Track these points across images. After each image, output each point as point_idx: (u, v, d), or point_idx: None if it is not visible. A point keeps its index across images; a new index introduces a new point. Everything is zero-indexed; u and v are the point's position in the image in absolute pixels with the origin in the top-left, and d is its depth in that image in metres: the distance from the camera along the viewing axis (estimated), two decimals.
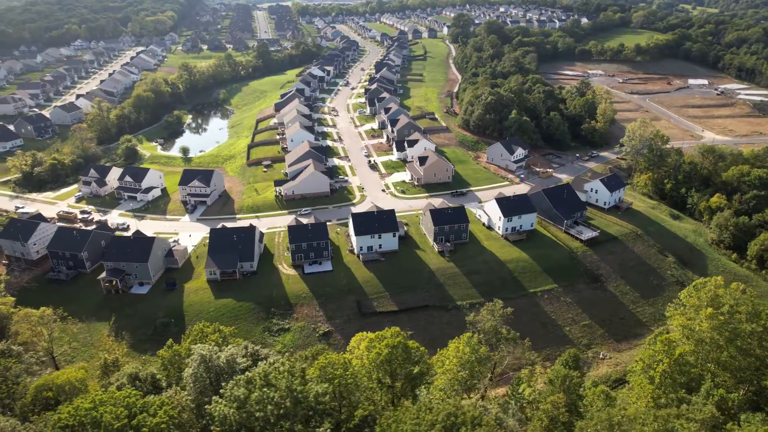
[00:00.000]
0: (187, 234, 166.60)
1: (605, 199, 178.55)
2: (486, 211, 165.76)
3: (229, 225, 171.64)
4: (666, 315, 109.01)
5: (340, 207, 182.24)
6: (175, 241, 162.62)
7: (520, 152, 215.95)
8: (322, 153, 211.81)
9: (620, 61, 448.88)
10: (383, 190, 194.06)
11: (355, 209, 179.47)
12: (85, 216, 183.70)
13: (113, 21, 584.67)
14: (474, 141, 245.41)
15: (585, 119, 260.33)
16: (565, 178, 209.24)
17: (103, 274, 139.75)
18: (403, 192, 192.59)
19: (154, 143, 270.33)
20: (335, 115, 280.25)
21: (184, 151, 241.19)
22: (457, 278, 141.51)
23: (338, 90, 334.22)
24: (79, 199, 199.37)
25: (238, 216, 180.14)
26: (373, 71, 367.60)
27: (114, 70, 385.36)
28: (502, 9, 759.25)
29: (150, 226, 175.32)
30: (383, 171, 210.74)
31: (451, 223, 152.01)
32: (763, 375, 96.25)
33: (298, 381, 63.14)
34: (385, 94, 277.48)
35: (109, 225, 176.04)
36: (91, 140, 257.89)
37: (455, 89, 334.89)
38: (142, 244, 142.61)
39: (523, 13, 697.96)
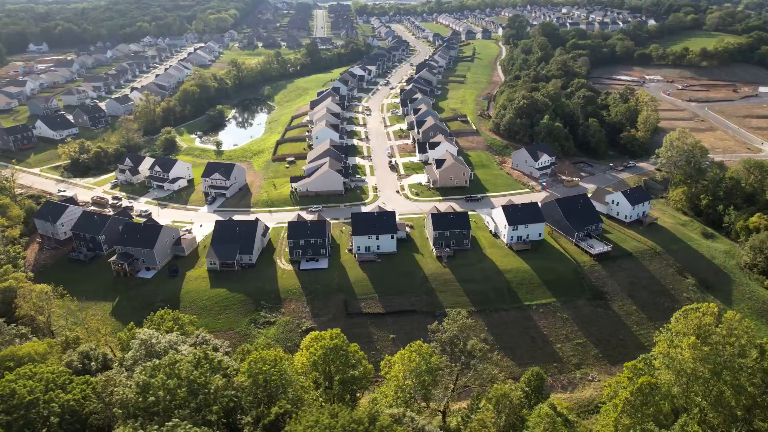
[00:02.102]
0: (199, 224, 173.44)
1: (626, 213, 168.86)
2: (493, 218, 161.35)
3: (240, 218, 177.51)
4: (654, 340, 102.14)
5: (351, 206, 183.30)
6: (187, 230, 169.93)
7: (545, 159, 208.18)
8: (344, 152, 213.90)
9: (683, 66, 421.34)
10: (397, 192, 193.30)
11: (365, 209, 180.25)
12: (116, 202, 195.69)
13: (179, 19, 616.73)
14: (503, 146, 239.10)
15: (626, 127, 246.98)
16: (591, 188, 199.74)
17: (114, 257, 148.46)
18: (416, 194, 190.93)
19: (193, 135, 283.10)
20: (368, 115, 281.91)
21: (217, 144, 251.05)
22: (450, 285, 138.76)
23: (377, 90, 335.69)
24: (114, 186, 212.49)
25: (252, 209, 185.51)
26: (416, 69, 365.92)
27: (170, 65, 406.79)
28: (564, 10, 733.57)
29: (169, 215, 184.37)
30: (402, 172, 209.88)
31: (451, 228, 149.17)
32: (755, 415, 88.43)
33: (200, 372, 64.57)
34: (418, 95, 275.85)
35: (134, 212, 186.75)
36: (137, 131, 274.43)
37: (495, 92, 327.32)
38: (150, 231, 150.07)
39: (586, 15, 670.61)
